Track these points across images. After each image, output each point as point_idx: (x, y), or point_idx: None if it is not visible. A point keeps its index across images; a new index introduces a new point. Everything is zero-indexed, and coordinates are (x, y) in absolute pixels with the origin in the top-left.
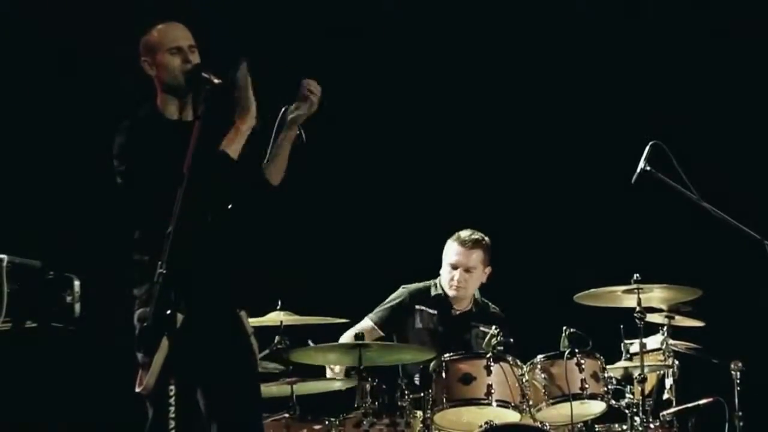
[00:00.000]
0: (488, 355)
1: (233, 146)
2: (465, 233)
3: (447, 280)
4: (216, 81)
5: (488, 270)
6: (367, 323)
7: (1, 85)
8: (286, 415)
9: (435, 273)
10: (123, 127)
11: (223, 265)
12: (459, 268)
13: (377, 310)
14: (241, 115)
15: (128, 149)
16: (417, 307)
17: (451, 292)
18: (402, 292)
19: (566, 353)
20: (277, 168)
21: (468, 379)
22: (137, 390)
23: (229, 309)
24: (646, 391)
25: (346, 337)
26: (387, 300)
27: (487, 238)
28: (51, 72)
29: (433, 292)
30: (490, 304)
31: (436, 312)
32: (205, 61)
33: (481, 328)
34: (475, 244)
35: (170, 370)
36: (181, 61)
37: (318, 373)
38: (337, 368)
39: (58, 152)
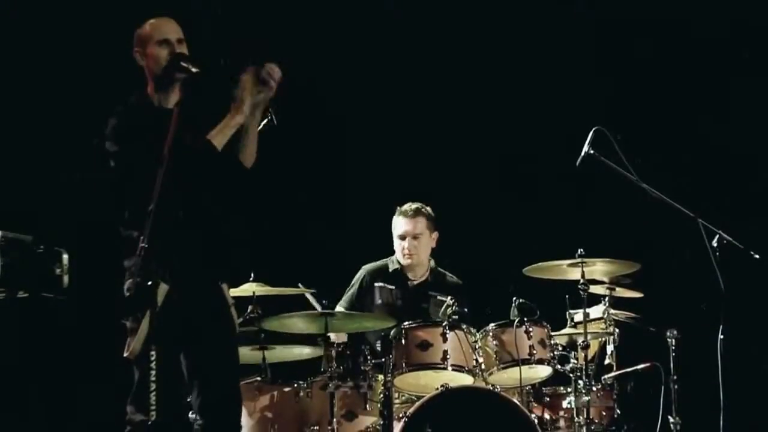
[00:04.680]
0: (444, 324)
1: (219, 137)
2: (406, 206)
3: (399, 252)
4: (194, 70)
5: (435, 235)
6: (339, 311)
7: None
8: (258, 378)
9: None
10: (116, 111)
11: (208, 240)
12: (407, 237)
13: (345, 296)
14: (234, 110)
15: (120, 132)
16: (376, 284)
17: (405, 261)
18: (362, 272)
19: (516, 322)
20: (249, 151)
21: (425, 345)
22: (125, 354)
23: (212, 281)
24: (589, 357)
25: None
26: (352, 282)
27: (426, 207)
28: (39, 53)
29: (390, 268)
30: (447, 273)
31: (394, 287)
32: (192, 53)
33: (439, 297)
34: (416, 212)
35: (152, 337)
36: (168, 53)
37: (287, 340)
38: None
39: (50, 133)
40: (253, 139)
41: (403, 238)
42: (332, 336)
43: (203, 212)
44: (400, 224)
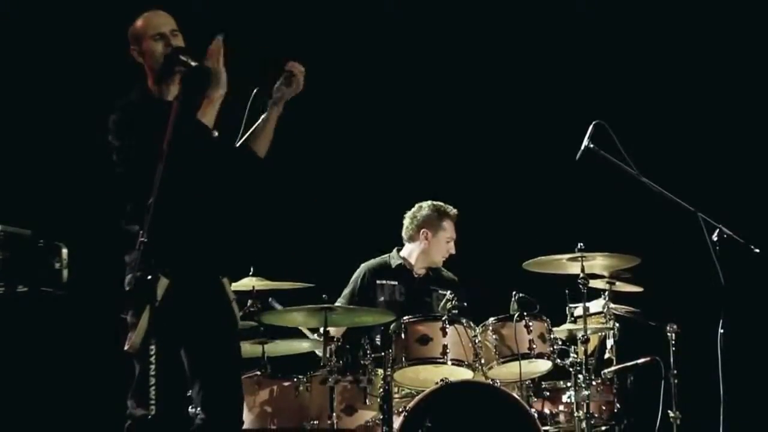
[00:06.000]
0: (444, 318)
1: (207, 115)
2: (452, 208)
3: (443, 252)
4: (193, 63)
5: None
6: (338, 305)
7: None
8: (258, 372)
9: (394, 238)
10: (117, 106)
11: (210, 234)
12: (453, 240)
13: (344, 294)
14: (212, 85)
15: (122, 127)
16: (378, 282)
17: (440, 261)
18: (361, 270)
19: (515, 316)
20: (263, 142)
21: (425, 339)
22: (125, 349)
23: (213, 276)
24: (589, 351)
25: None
26: (351, 281)
27: None
28: (39, 50)
29: (393, 264)
30: (442, 269)
31: (396, 282)
32: (187, 44)
33: (440, 292)
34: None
35: (152, 331)
36: (164, 46)
37: (287, 334)
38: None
39: (50, 129)
40: (271, 130)
41: (452, 241)
42: (307, 335)
43: (205, 206)
44: (452, 228)
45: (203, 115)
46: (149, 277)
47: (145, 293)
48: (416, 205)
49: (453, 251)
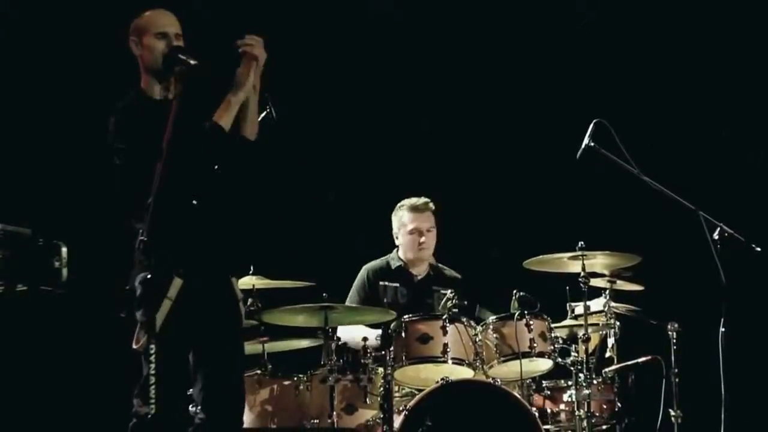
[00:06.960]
0: (444, 317)
1: (224, 118)
2: (414, 200)
3: (413, 245)
4: (192, 62)
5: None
6: (342, 305)
7: None
8: (258, 371)
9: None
10: (116, 108)
11: (220, 233)
12: (422, 231)
13: (354, 297)
14: (234, 88)
15: (120, 129)
16: (380, 283)
17: (417, 254)
18: (364, 272)
19: (516, 315)
20: (249, 124)
21: (426, 338)
22: (134, 347)
23: (224, 275)
24: (590, 350)
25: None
26: (355, 284)
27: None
28: (38, 48)
29: (393, 266)
30: (444, 267)
31: (398, 284)
32: (187, 46)
33: (442, 291)
34: (426, 206)
35: (152, 331)
36: (165, 45)
37: (286, 332)
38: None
39: (50, 127)
40: (254, 109)
41: (417, 232)
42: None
43: (215, 202)
44: (412, 219)
45: (219, 117)
46: (149, 276)
47: (150, 292)
48: None
49: (423, 242)
